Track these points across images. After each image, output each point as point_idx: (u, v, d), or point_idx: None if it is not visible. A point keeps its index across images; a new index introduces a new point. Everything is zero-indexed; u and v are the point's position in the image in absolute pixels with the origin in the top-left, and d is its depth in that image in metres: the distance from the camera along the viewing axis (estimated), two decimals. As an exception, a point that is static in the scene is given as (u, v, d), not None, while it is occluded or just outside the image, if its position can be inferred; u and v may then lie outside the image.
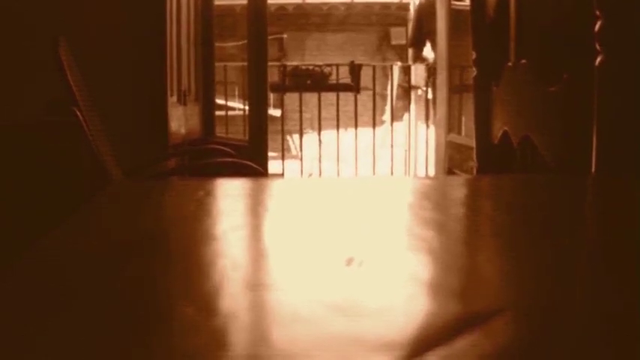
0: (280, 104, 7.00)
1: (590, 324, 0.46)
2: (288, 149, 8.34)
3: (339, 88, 6.91)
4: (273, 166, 5.67)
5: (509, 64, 1.95)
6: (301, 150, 7.19)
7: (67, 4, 3.39)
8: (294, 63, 7.82)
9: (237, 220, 0.87)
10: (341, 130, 6.72)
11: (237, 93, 7.26)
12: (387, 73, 9.09)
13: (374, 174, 6.97)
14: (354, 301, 0.51)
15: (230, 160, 3.09)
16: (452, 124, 5.95)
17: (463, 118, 5.89)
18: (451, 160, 5.84)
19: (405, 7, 10.21)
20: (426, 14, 7.51)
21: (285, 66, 6.99)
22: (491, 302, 0.51)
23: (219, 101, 5.46)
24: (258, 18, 4.21)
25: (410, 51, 9.13)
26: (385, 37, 10.63)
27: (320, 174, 6.92)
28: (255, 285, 0.57)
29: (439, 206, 0.95)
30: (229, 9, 8.41)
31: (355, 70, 6.93)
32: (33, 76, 3.23)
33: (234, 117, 6.06)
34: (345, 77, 7.07)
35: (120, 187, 1.36)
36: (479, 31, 2.14)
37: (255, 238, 0.79)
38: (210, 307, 0.50)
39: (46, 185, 2.76)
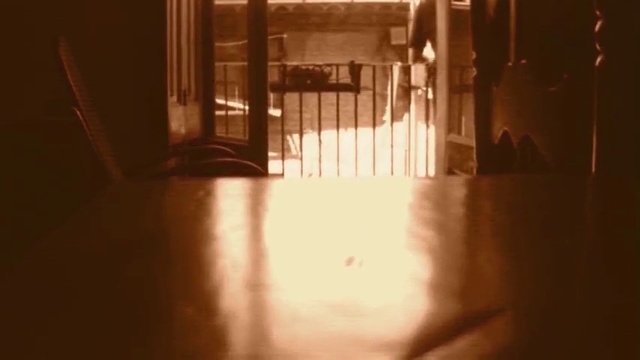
0: (280, 104, 7.00)
1: (590, 324, 0.46)
2: (288, 149, 8.34)
3: (339, 88, 6.91)
4: (273, 166, 5.67)
5: (510, 64, 1.95)
6: (301, 150, 7.19)
7: (67, 4, 3.39)
8: (294, 63, 7.82)
9: (237, 220, 0.87)
10: (341, 130, 6.72)
11: (237, 93, 7.26)
12: (387, 73, 9.09)
13: (374, 174, 6.97)
14: (354, 300, 0.51)
15: (230, 160, 3.09)
16: (452, 124, 5.95)
17: (463, 118, 5.89)
18: (451, 160, 5.84)
19: (405, 7, 10.21)
20: (426, 14, 7.51)
21: (285, 66, 6.99)
22: (491, 302, 0.51)
23: (219, 101, 5.46)
24: (258, 18, 4.21)
25: (410, 51, 9.13)
26: (385, 37, 10.63)
27: (320, 174, 6.92)
28: (256, 285, 0.57)
29: (439, 206, 0.95)
30: (229, 9, 8.41)
31: (355, 70, 6.93)
32: (33, 76, 3.23)
33: (234, 117, 6.06)
34: (345, 77, 7.07)
35: (120, 187, 1.36)
36: (479, 31, 2.14)
37: (256, 238, 0.79)
38: (210, 307, 0.50)
39: (46, 185, 2.76)
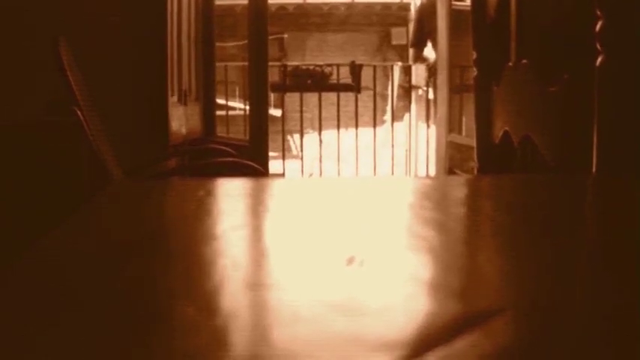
0: (281, 104, 7.00)
1: (590, 324, 0.46)
2: (289, 149, 8.34)
3: (339, 88, 6.91)
4: (274, 166, 5.67)
5: (510, 64, 1.95)
6: (302, 150, 7.19)
7: (67, 4, 3.39)
8: (295, 63, 7.82)
9: (237, 219, 0.87)
10: (341, 130, 6.72)
11: (237, 93, 7.26)
12: (387, 73, 9.09)
13: (374, 174, 6.97)
14: (355, 300, 0.51)
15: (231, 159, 3.09)
16: (452, 124, 5.95)
17: (464, 118, 5.90)
18: (452, 160, 5.84)
19: (405, 7, 10.21)
20: (427, 14, 7.51)
21: (285, 66, 6.99)
22: (492, 302, 0.51)
23: (220, 101, 5.46)
24: (258, 18, 4.22)
25: (410, 51, 9.13)
26: (386, 37, 10.63)
27: (320, 174, 6.92)
28: (256, 284, 0.57)
29: (440, 206, 0.95)
30: (230, 9, 8.41)
31: (356, 70, 6.93)
32: (33, 76, 3.23)
33: (234, 117, 6.07)
34: (345, 77, 7.07)
35: (120, 187, 1.36)
36: (479, 31, 2.14)
37: (256, 238, 0.79)
38: (210, 306, 0.50)
39: (46, 185, 2.76)
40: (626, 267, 0.61)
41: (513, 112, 1.91)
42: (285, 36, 10.37)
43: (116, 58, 3.45)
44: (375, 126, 7.03)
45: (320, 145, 6.79)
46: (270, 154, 4.38)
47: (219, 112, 4.98)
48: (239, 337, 0.44)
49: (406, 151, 8.12)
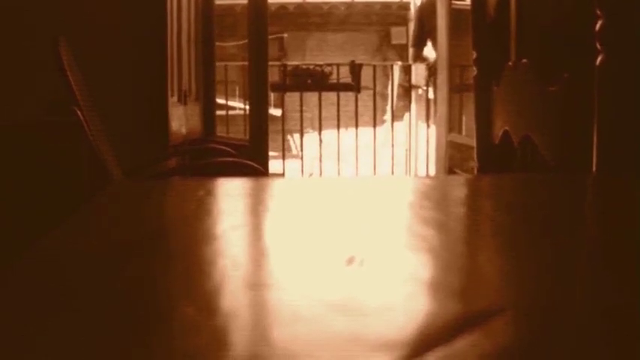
0: (281, 104, 7.00)
1: (590, 324, 0.46)
2: (289, 149, 8.34)
3: (339, 87, 6.91)
4: (274, 165, 5.67)
5: (510, 63, 1.95)
6: (302, 149, 7.19)
7: (67, 4, 3.39)
8: (295, 62, 7.82)
9: (237, 219, 0.87)
10: (341, 130, 6.72)
11: (237, 92, 7.26)
12: (387, 72, 9.09)
13: (374, 173, 6.97)
14: (355, 300, 0.51)
15: (231, 159, 3.09)
16: (452, 124, 5.95)
17: (464, 118, 5.90)
18: (452, 160, 5.84)
19: (405, 7, 10.21)
20: (427, 14, 7.51)
21: (285, 65, 6.99)
22: (492, 302, 0.51)
23: (220, 101, 5.46)
24: (258, 17, 4.21)
25: (410, 50, 9.13)
26: (386, 37, 10.63)
27: (320, 173, 6.92)
28: (256, 284, 0.57)
29: (439, 206, 0.95)
30: (230, 8, 8.41)
31: (356, 69, 6.93)
32: (33, 76, 3.23)
33: (234, 116, 6.07)
34: (345, 77, 7.07)
35: (120, 187, 1.36)
36: (479, 30, 2.14)
37: (256, 238, 0.79)
38: (210, 306, 0.50)
39: (46, 185, 2.76)
40: (626, 267, 0.61)
41: (513, 112, 1.91)
42: (285, 35, 10.37)
43: (116, 58, 3.45)
44: (375, 126, 7.03)
45: (320, 145, 6.79)
46: (270, 153, 4.38)
47: (219, 112, 4.98)
48: (239, 337, 0.44)
49: (406, 150, 8.12)
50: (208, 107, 4.54)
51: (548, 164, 1.63)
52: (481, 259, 0.67)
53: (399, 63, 9.51)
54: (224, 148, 3.28)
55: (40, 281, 0.57)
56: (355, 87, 6.87)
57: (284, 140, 6.64)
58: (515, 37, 1.97)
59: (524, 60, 1.85)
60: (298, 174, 7.16)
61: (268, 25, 4.31)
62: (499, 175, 1.77)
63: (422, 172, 7.22)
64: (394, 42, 10.49)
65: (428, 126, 6.81)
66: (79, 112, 2.43)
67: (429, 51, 7.40)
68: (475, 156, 2.16)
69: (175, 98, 3.81)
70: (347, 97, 7.06)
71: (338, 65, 7.11)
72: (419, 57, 7.99)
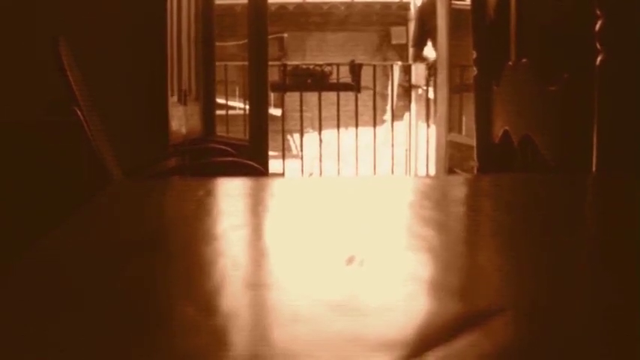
0: (281, 103, 7.00)
1: (590, 324, 0.46)
2: (289, 148, 8.34)
3: (339, 87, 6.91)
4: (274, 165, 5.67)
5: (510, 63, 1.95)
6: (302, 149, 7.19)
7: (67, 4, 3.39)
8: (295, 62, 7.82)
9: (237, 219, 0.87)
10: (341, 130, 6.72)
11: (237, 92, 7.26)
12: (387, 72, 9.09)
13: (374, 173, 6.97)
14: (355, 300, 0.51)
15: (231, 159, 3.09)
16: (452, 124, 5.95)
17: (464, 118, 5.90)
18: (452, 160, 5.84)
19: (405, 7, 10.21)
20: (427, 14, 7.51)
21: (285, 65, 6.99)
22: (492, 302, 0.51)
23: (220, 101, 5.46)
24: (258, 17, 4.21)
25: (410, 50, 9.13)
26: (386, 37, 10.63)
27: (320, 173, 6.92)
28: (256, 284, 0.57)
29: (439, 205, 0.95)
30: (230, 8, 8.41)
31: (356, 69, 6.93)
32: (33, 76, 3.23)
33: (234, 116, 6.06)
34: (345, 76, 7.07)
35: (120, 187, 1.36)
36: (479, 30, 2.14)
37: (256, 238, 0.79)
38: (210, 306, 0.50)
39: (46, 185, 2.76)
40: (626, 267, 0.61)
41: (513, 112, 1.91)
42: (285, 35, 10.37)
43: (116, 58, 3.45)
44: (375, 125, 7.03)
45: (320, 145, 6.79)
46: (270, 153, 4.37)
47: (219, 112, 4.98)
48: (239, 337, 0.44)
49: (406, 150, 8.12)
50: (208, 107, 4.54)
51: (548, 164, 1.63)
52: (481, 259, 0.67)
53: (399, 63, 9.51)
54: (224, 147, 3.28)
55: (40, 281, 0.57)
56: (355, 87, 6.87)
57: (284, 140, 6.64)
58: (515, 37, 1.97)
59: (525, 60, 1.85)
60: (298, 174, 7.16)
61: (268, 24, 4.31)
62: (499, 175, 1.77)
63: (422, 172, 7.22)
64: (394, 42, 10.49)
65: (428, 126, 6.81)
66: (79, 112, 2.43)
67: (429, 51, 7.40)
68: (475, 156, 2.16)
69: (175, 98, 3.81)
70: (347, 96, 7.06)
71: (338, 65, 7.11)
72: (419, 57, 7.99)
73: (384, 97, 9.00)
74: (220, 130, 4.81)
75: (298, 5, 10.48)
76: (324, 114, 6.71)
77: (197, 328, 0.45)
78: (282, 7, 10.21)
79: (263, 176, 3.24)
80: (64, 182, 2.76)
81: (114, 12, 3.45)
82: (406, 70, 8.89)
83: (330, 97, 6.84)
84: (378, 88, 7.40)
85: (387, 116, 8.60)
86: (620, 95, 1.41)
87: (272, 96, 6.98)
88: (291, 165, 7.10)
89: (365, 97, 7.35)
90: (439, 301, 0.51)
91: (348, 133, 7.11)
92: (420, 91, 8.04)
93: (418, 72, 7.94)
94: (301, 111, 6.68)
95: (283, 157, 6.44)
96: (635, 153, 1.39)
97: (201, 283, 0.57)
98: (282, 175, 6.42)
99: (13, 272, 0.58)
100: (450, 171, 5.71)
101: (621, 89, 1.41)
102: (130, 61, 3.48)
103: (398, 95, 8.99)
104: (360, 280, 0.56)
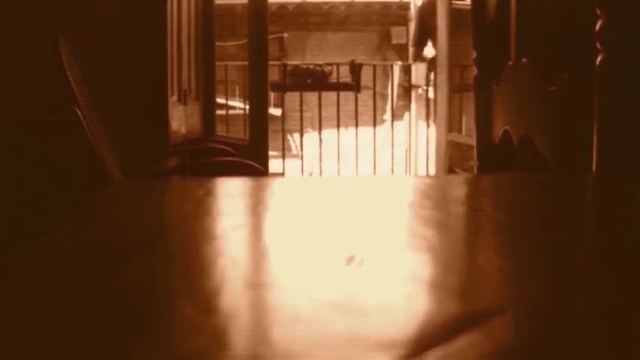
0: (281, 103, 7.00)
1: (590, 324, 0.46)
2: (289, 148, 8.34)
3: (339, 87, 6.91)
4: (274, 165, 5.67)
5: (510, 63, 1.95)
6: (302, 149, 7.19)
7: (67, 4, 3.39)
8: (295, 62, 7.82)
9: (237, 219, 0.87)
10: (341, 129, 6.72)
11: (237, 92, 7.26)
12: (387, 72, 9.09)
13: (374, 173, 6.97)
14: (355, 300, 0.51)
15: (231, 159, 3.09)
16: (452, 123, 5.95)
17: (464, 117, 5.90)
18: (452, 159, 5.84)
19: (405, 7, 10.21)
20: (427, 13, 7.52)
21: (285, 65, 6.99)
22: (492, 301, 0.51)
23: (220, 100, 5.46)
24: (258, 17, 4.21)
25: (411, 50, 9.13)
26: (386, 37, 10.63)
27: (320, 173, 6.92)
28: (256, 284, 0.57)
29: (439, 205, 0.95)
30: (230, 8, 8.41)
31: (356, 69, 6.93)
32: (33, 76, 3.23)
33: (234, 116, 6.06)
34: (345, 76, 7.07)
35: (120, 186, 1.36)
36: (479, 30, 2.14)
37: (256, 238, 0.79)
38: (210, 306, 0.50)
39: (46, 185, 2.76)
40: (625, 267, 0.61)
41: (513, 112, 1.91)
42: (285, 35, 10.36)
43: (116, 58, 3.45)
44: (374, 125, 7.03)
45: (320, 145, 6.79)
46: (270, 153, 4.37)
47: (219, 112, 4.98)
48: (239, 336, 0.44)
49: (406, 150, 8.12)
50: (208, 107, 4.54)
51: (548, 164, 1.63)
52: (481, 259, 0.67)
53: (399, 63, 9.51)
54: (224, 147, 3.28)
55: (40, 281, 0.57)
56: (355, 87, 6.87)
57: (284, 140, 6.64)
58: (515, 36, 1.97)
59: (525, 60, 1.85)
60: (298, 173, 7.16)
61: (268, 24, 4.31)
62: (499, 175, 1.77)
63: (422, 172, 7.22)
64: (394, 42, 10.49)
65: (428, 125, 6.81)
66: (78, 112, 2.43)
67: (429, 51, 7.40)
68: (475, 155, 2.16)
69: (175, 98, 3.81)
70: (347, 96, 7.06)
71: (338, 65, 7.11)
72: (419, 57, 7.99)
73: (384, 96, 9.00)
74: (220, 130, 4.81)
75: (298, 5, 10.48)
76: (324, 114, 6.71)
77: (197, 328, 0.45)
78: (282, 6, 10.21)
79: (263, 176, 3.24)
80: (64, 182, 2.76)
81: (114, 12, 3.45)
82: (406, 70, 8.89)
83: (330, 96, 6.84)
84: (378, 88, 7.41)
85: (387, 116, 8.60)
86: (620, 95, 1.41)
87: (272, 96, 6.98)
88: (291, 165, 7.10)
89: (365, 96, 7.35)
90: (439, 300, 0.51)
91: (348, 133, 7.11)
92: (420, 90, 8.04)
93: (418, 72, 7.94)
94: (301, 111, 6.69)
95: (283, 156, 6.44)
96: (635, 153, 1.39)
97: (201, 283, 0.57)
98: (282, 174, 6.42)
99: (13, 272, 0.58)
100: (450, 171, 5.71)
101: (621, 89, 1.41)
102: (129, 60, 3.47)
103: (398, 95, 8.99)
104: (359, 279, 0.56)
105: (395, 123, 7.49)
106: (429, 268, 0.62)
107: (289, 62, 7.71)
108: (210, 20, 4.50)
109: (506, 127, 1.92)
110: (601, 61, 1.41)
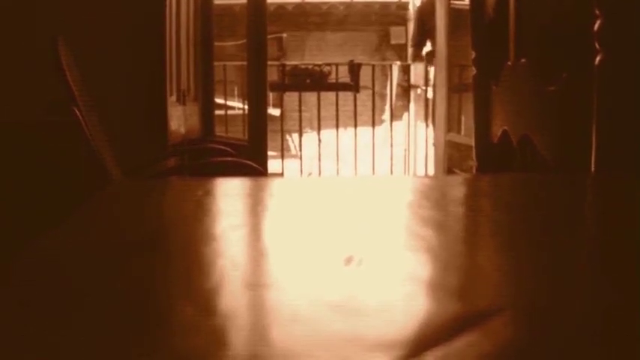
0: (280, 103, 7.00)
1: (589, 324, 0.46)
2: (288, 148, 8.34)
3: (338, 87, 6.91)
4: (273, 165, 5.67)
5: (509, 63, 1.95)
6: (301, 149, 7.19)
7: (67, 4, 3.39)
8: (294, 62, 7.82)
9: (236, 219, 0.87)
10: (340, 130, 6.72)
11: (236, 92, 7.26)
12: (386, 72, 9.09)
13: (373, 173, 6.97)
14: (354, 300, 0.51)
15: (230, 159, 3.09)
16: (451, 124, 5.94)
17: (462, 118, 5.89)
18: (450, 160, 5.84)
19: (404, 7, 10.21)
20: (426, 13, 7.52)
21: (284, 65, 6.99)
22: (491, 302, 0.51)
23: (219, 100, 5.45)
24: (257, 17, 4.21)
25: (410, 50, 9.13)
26: (385, 37, 10.63)
27: (319, 173, 6.92)
28: (255, 284, 0.57)
29: (438, 205, 0.95)
30: (229, 8, 8.41)
31: (355, 69, 6.93)
32: (33, 76, 3.23)
33: (233, 116, 6.06)
34: (344, 76, 7.06)
35: (120, 187, 1.36)
36: (478, 30, 2.14)
37: (255, 238, 0.79)
38: (210, 306, 0.50)
39: (46, 185, 2.76)
40: (625, 267, 0.61)
41: (512, 112, 1.91)
42: (284, 35, 10.36)
43: (115, 58, 3.45)
44: (373, 125, 7.03)
45: (319, 145, 6.79)
46: (269, 153, 4.38)
47: (218, 112, 4.98)
48: (238, 337, 0.45)
49: (405, 150, 8.12)
50: (207, 107, 4.54)
51: (547, 164, 1.63)
52: (480, 259, 0.67)
53: (398, 63, 9.51)
54: (223, 147, 3.29)
55: (40, 281, 0.57)
56: (354, 87, 6.87)
57: (283, 140, 6.64)
58: (514, 36, 1.97)
59: (523, 60, 1.85)
60: (297, 174, 7.16)
61: (267, 24, 4.31)
62: (498, 175, 1.78)
63: (421, 172, 7.22)
64: (393, 42, 10.49)
65: (427, 125, 6.81)
66: (78, 112, 2.43)
67: (428, 50, 7.39)
68: (474, 156, 2.16)
69: (174, 98, 3.81)
70: (346, 96, 7.06)
71: (337, 65, 7.11)
72: (418, 57, 7.99)
73: (383, 97, 9.00)
74: (219, 130, 4.81)
75: (297, 5, 10.48)
76: (323, 114, 6.71)
77: (197, 328, 0.45)
78: (281, 7, 10.21)
79: (262, 176, 3.24)
80: (64, 182, 2.76)
81: (113, 12, 3.45)
82: (405, 70, 8.88)
83: (329, 97, 6.84)
84: (377, 88, 7.41)
85: (386, 116, 8.59)
86: (619, 95, 1.41)
87: (271, 96, 6.98)
88: (290, 165, 7.10)
89: (364, 96, 7.35)
90: (438, 301, 0.51)
91: (346, 133, 7.11)
92: (418, 90, 8.04)
93: (417, 72, 7.94)
94: (300, 111, 6.68)
95: (282, 157, 6.44)
96: (634, 153, 1.39)
97: (201, 283, 0.57)
98: (281, 175, 6.42)
99: (13, 272, 0.58)
100: (449, 171, 5.71)
101: (620, 89, 1.41)
102: (129, 61, 3.47)
103: (397, 95, 8.98)
104: (358, 280, 0.56)
105: (394, 123, 7.49)
106: (428, 269, 0.62)
107: (288, 62, 7.71)
108: (209, 20, 4.50)
109: (505, 127, 1.92)
110: (600, 61, 1.41)
